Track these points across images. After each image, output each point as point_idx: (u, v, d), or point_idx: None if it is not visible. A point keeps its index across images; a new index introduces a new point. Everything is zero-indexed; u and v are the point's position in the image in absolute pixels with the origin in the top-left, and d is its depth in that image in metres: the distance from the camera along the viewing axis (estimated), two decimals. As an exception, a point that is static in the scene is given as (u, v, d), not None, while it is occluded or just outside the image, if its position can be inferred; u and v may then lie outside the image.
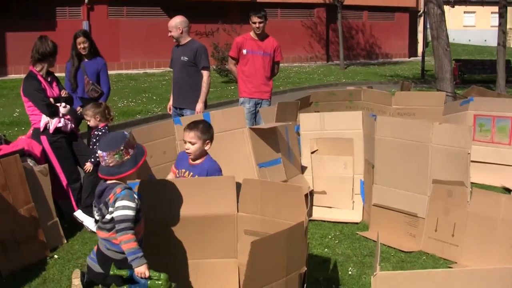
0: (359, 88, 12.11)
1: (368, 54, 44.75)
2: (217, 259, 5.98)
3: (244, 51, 11.01)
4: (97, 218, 5.25)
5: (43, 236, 7.31)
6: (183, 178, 6.18)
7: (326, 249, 7.49)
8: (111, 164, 5.15)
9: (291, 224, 5.00)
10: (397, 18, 46.20)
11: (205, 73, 10.14)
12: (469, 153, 7.16)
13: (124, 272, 5.06)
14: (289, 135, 8.41)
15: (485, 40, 60.30)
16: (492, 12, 65.41)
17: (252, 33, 11.03)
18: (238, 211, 5.87)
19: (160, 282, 4.98)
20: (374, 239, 7.73)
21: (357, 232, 8.13)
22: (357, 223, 8.55)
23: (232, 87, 24.86)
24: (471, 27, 63.24)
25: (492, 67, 28.94)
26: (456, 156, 7.25)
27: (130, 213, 5.04)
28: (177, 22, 10.12)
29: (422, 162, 7.50)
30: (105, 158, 5.14)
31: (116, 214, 5.04)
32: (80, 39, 9.87)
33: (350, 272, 6.79)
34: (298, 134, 8.83)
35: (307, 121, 8.95)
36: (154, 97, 22.28)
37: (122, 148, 5.12)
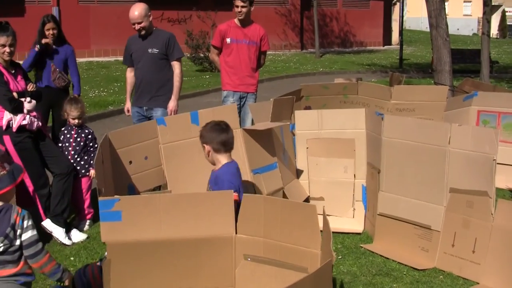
0: (352, 81, 11.33)
1: (342, 42, 44.91)
2: (212, 287, 5.15)
3: (228, 40, 10.12)
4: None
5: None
6: (168, 194, 5.31)
7: (329, 267, 6.61)
8: None
9: (301, 250, 4.52)
10: (372, 6, 46.47)
11: (177, 65, 9.19)
12: (494, 160, 6.35)
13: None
14: (284, 136, 7.63)
15: (458, 29, 60.53)
16: (464, 1, 65.64)
17: (236, 20, 10.13)
18: (236, 233, 5.05)
19: None
20: (380, 253, 7.04)
21: (361, 245, 7.35)
22: (359, 233, 7.78)
23: (207, 76, 24.49)
24: (443, 16, 63.31)
25: (471, 56, 29.19)
26: (478, 162, 6.45)
27: (35, 234, 4.72)
28: (144, 9, 8.96)
29: (438, 168, 6.72)
30: None
31: (26, 236, 4.66)
32: (50, 24, 9.29)
33: (360, 297, 5.96)
34: (293, 133, 8.01)
35: (304, 119, 8.15)
36: (127, 86, 21.25)
37: None
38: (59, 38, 9.55)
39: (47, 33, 9.24)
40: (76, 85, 9.95)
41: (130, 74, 9.50)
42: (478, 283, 6.31)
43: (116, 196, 4.83)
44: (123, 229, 4.72)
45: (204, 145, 5.81)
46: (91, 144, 7.92)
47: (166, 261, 4.98)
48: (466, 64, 30.26)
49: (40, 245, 4.71)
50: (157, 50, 9.00)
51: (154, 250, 4.94)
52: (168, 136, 6.82)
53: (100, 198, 4.73)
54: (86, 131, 7.97)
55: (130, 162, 6.52)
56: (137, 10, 8.90)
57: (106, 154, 6.13)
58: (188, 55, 27.74)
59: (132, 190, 6.55)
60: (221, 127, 5.83)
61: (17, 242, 4.62)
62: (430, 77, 26.73)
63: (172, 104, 9.05)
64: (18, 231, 4.61)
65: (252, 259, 4.91)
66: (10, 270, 4.62)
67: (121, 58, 29.72)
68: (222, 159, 5.81)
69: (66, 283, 4.94)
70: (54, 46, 9.45)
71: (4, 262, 4.60)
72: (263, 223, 4.89)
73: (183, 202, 4.96)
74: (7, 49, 7.14)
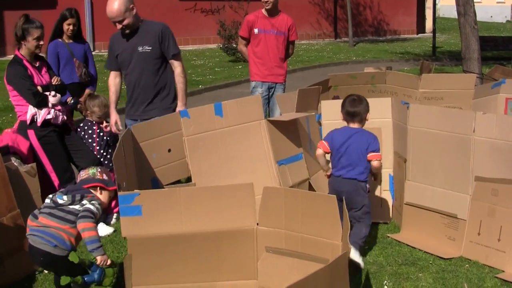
0: (381, 70, 11.25)
1: (376, 31, 44.32)
2: (234, 280, 5.17)
3: (256, 31, 10.12)
4: (60, 201, 5.23)
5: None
6: (188, 187, 5.34)
7: (355, 257, 6.61)
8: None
9: (322, 241, 4.50)
10: (405, -6, 45.65)
11: (177, 63, 7.88)
12: (520, 147, 6.29)
13: (86, 261, 5.17)
14: (310, 126, 7.57)
15: (491, 17, 59.73)
16: (498, -11, 64.76)
17: (263, 11, 10.12)
18: (258, 225, 5.05)
19: (116, 268, 5.19)
20: (407, 242, 7.02)
21: (388, 235, 7.34)
22: (386, 223, 7.77)
23: (240, 66, 24.34)
24: (477, 3, 62.47)
25: (504, 44, 28.84)
26: (503, 150, 6.44)
27: (96, 212, 5.16)
28: (123, 2, 7.46)
29: (463, 157, 6.69)
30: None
31: (85, 207, 5.16)
32: (72, 20, 9.05)
33: (386, 287, 5.98)
34: (320, 123, 7.98)
35: (330, 109, 8.07)
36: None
37: None
38: (78, 34, 9.33)
39: (66, 28, 9.00)
40: (94, 82, 9.68)
41: (114, 81, 8.13)
42: (503, 271, 6.27)
43: (136, 190, 4.87)
44: (144, 224, 4.77)
45: None
46: (113, 139, 7.92)
47: (187, 255, 5.02)
48: (499, 51, 29.83)
49: (88, 213, 5.07)
50: (149, 48, 7.67)
51: (175, 244, 4.98)
52: (192, 128, 6.74)
53: (120, 193, 4.78)
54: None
55: (154, 156, 6.54)
56: (115, 4, 7.45)
57: (129, 147, 6.15)
58: (221, 46, 27.67)
59: (156, 183, 6.57)
60: (353, 102, 6.96)
61: (77, 206, 5.19)
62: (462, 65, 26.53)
63: (181, 110, 7.47)
64: (84, 201, 5.21)
65: (273, 251, 4.93)
66: (54, 223, 5.10)
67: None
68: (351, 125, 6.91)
69: (98, 259, 5.06)
70: (71, 41, 9.19)
71: (57, 215, 5.14)
72: (284, 215, 4.90)
73: (203, 195, 5.00)
74: (41, 42, 7.24)
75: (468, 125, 6.62)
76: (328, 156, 6.99)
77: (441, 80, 9.72)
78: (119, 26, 7.53)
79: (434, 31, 33.80)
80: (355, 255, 6.32)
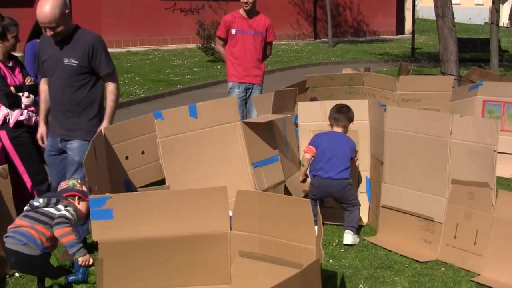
0: (359, 71, 11.26)
1: (355, 32, 44.48)
2: (207, 285, 5.09)
3: (233, 31, 10.03)
4: (35, 203, 5.29)
5: (2, 250, 6.25)
6: (161, 190, 5.25)
7: (331, 260, 6.60)
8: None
9: (297, 246, 4.46)
10: (385, -5, 45.80)
11: (111, 83, 6.85)
12: (495, 151, 6.30)
13: (67, 263, 5.12)
14: (286, 128, 7.53)
15: (470, 18, 60.13)
16: (477, -10, 65.14)
17: (241, 11, 10.05)
18: (231, 229, 4.98)
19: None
20: (383, 245, 6.98)
21: (364, 238, 7.28)
22: (363, 225, 7.69)
23: (219, 67, 24.27)
24: (455, 5, 62.83)
25: (482, 45, 29.19)
26: (479, 153, 6.41)
27: (71, 218, 5.18)
28: (57, 6, 6.36)
29: (440, 160, 6.66)
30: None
31: (60, 213, 5.16)
32: None
33: (361, 291, 5.91)
34: (296, 125, 7.94)
35: (307, 110, 8.07)
36: (137, 78, 21.52)
37: None
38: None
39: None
40: None
41: (44, 87, 6.96)
42: (479, 275, 6.26)
43: (107, 193, 4.79)
44: (115, 228, 4.68)
45: None
46: None
47: (160, 259, 4.93)
48: (477, 53, 30.32)
49: (63, 219, 5.08)
50: (76, 62, 6.57)
51: (147, 248, 4.90)
52: (166, 130, 6.63)
53: (91, 196, 4.70)
54: None
55: (127, 158, 6.44)
56: (47, 8, 6.35)
57: (101, 150, 6.03)
58: (200, 46, 27.67)
59: (129, 186, 6.48)
60: (341, 109, 7.46)
61: (52, 210, 5.22)
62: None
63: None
64: (59, 206, 5.25)
65: (247, 256, 4.86)
66: (28, 222, 5.12)
67: (132, 49, 29.47)
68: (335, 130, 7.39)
69: (80, 261, 5.08)
70: None
71: (32, 217, 5.16)
72: (258, 219, 4.83)
73: (176, 198, 4.92)
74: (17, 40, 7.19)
75: (445, 128, 6.59)
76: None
77: (419, 82, 9.78)
78: (49, 33, 6.46)
79: (413, 33, 34.03)
80: (350, 239, 6.99)
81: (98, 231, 4.75)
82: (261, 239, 4.85)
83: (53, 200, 5.24)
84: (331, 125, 7.41)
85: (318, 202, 6.77)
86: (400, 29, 47.54)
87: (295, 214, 4.65)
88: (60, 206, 5.21)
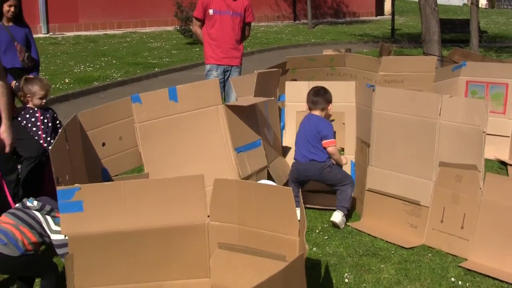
0: (340, 52, 11.08)
1: (335, 13, 44.57)
2: (185, 279, 4.81)
3: (211, 11, 9.77)
4: (28, 203, 5.01)
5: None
6: (134, 180, 4.95)
7: (314, 248, 6.39)
8: None
9: (278, 237, 4.25)
10: (364, -25, 45.95)
11: None
12: (484, 132, 6.12)
13: None
14: (269, 111, 7.30)
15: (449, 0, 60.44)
16: (456, -29, 65.28)
17: (219, -10, 9.76)
18: (209, 220, 4.72)
19: None
20: (368, 231, 6.81)
21: (348, 224, 7.07)
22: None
23: (197, 49, 24.23)
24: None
25: (461, 26, 29.48)
26: (468, 135, 6.24)
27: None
28: None
29: (428, 142, 6.50)
30: None
31: (56, 237, 4.89)
32: (12, 1, 8.24)
33: (346, 280, 5.73)
34: (283, 105, 7.73)
35: (294, 90, 7.96)
36: (114, 61, 21.26)
37: None
38: (19, 17, 8.47)
39: (6, 9, 8.17)
40: (37, 67, 8.71)
41: None
42: (466, 260, 6.15)
43: (76, 184, 4.52)
44: (86, 221, 4.39)
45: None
46: (58, 126, 7.38)
47: (133, 253, 4.65)
48: (456, 34, 30.55)
49: (66, 249, 4.72)
50: None
51: (120, 241, 4.60)
52: (144, 114, 6.39)
53: (58, 188, 4.40)
54: (51, 111, 7.42)
55: (103, 144, 6.15)
56: None
57: (75, 136, 5.72)
58: (178, 28, 27.58)
59: (106, 174, 6.20)
60: (318, 92, 7.32)
61: (48, 230, 4.93)
62: (422, 47, 26.71)
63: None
64: (53, 226, 4.94)
65: (226, 248, 4.61)
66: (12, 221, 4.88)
67: (109, 32, 29.29)
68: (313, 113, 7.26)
69: None
70: (11, 24, 8.35)
71: (24, 220, 4.91)
72: (237, 209, 4.59)
73: (150, 188, 4.62)
74: None
75: (434, 109, 6.43)
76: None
77: (401, 63, 9.65)
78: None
79: (393, 14, 34.29)
80: (338, 218, 6.91)
81: (67, 224, 4.45)
82: (240, 230, 4.61)
83: (47, 208, 4.94)
84: (310, 109, 7.32)
85: (299, 186, 6.68)
86: (379, 10, 47.75)
87: (276, 203, 4.42)
88: (50, 220, 4.94)
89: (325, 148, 7.01)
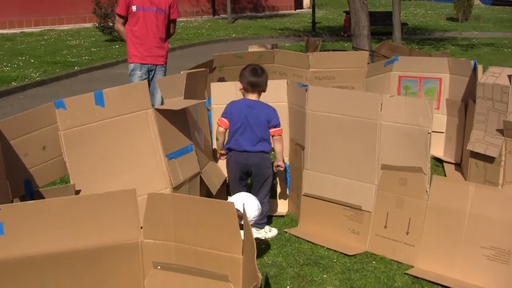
0: (267, 48, 10.76)
1: (254, 7, 44.77)
2: (118, 302, 4.42)
3: (134, 8, 9.38)
4: None
5: None
6: (59, 198, 4.51)
7: (251, 259, 5.98)
8: None
9: (220, 255, 3.97)
10: (282, -31, 46.20)
11: None
12: (429, 133, 5.85)
13: None
14: (198, 113, 6.89)
15: (367, -8, 61.13)
16: (375, -38, 65.93)
17: (142, -14, 9.35)
18: (143, 238, 4.34)
19: None
20: (307, 238, 6.49)
21: (285, 230, 6.76)
22: (282, 216, 7.20)
23: (117, 46, 23.85)
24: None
25: (382, 19, 29.84)
26: (412, 136, 5.94)
27: None
28: None
29: (368, 143, 6.19)
30: None
31: None
32: None
33: (288, 293, 5.39)
34: (209, 109, 7.34)
35: (220, 92, 7.48)
36: (32, 60, 20.53)
37: None
38: None
39: None
40: None
41: None
42: (413, 267, 5.92)
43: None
44: (6, 244, 3.94)
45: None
46: None
47: (60, 277, 4.22)
48: (377, 27, 30.44)
49: None
50: None
51: (44, 265, 4.16)
52: (69, 121, 5.84)
53: (-27, 209, 3.94)
54: None
55: (26, 155, 5.66)
56: None
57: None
58: (97, 25, 26.99)
59: (29, 185, 5.70)
60: (256, 71, 6.62)
61: None
62: (343, 40, 27.02)
63: None
64: None
65: (162, 267, 4.24)
66: None
67: (28, 30, 28.76)
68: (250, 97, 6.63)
69: None
70: None
71: None
72: (174, 225, 4.20)
73: (77, 205, 4.19)
74: None
75: (374, 109, 6.11)
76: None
77: (332, 59, 9.39)
78: None
79: (313, 7, 34.55)
80: (261, 234, 6.55)
81: (-15, 249, 4.00)
82: (178, 247, 4.22)
83: None
84: (246, 91, 6.66)
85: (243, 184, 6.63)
86: (298, 4, 48.10)
87: (217, 218, 4.05)
88: None
89: (272, 137, 6.53)
